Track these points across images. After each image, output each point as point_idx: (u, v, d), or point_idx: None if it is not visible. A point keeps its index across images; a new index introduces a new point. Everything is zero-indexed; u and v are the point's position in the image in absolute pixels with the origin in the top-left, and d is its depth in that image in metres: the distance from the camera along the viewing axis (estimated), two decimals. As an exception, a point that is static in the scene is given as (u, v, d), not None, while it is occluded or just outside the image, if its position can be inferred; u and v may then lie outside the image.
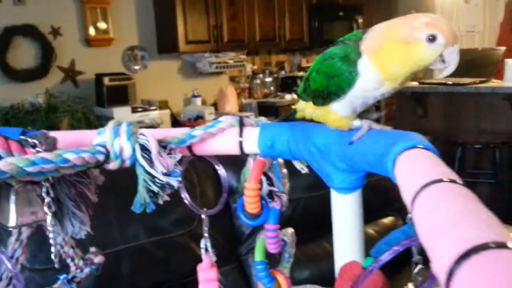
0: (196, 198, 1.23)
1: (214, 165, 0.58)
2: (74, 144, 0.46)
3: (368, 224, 1.54)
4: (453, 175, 0.31)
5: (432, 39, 0.40)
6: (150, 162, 0.46)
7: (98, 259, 0.55)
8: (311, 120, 0.52)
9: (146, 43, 3.90)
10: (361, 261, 0.45)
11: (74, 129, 2.82)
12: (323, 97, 0.47)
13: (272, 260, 0.61)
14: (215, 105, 4.18)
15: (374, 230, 1.54)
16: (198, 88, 4.17)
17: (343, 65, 0.44)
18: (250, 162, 0.56)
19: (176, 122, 3.81)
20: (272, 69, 4.84)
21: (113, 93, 3.47)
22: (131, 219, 1.13)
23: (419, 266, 0.42)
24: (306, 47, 4.83)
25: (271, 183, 0.56)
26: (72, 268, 0.52)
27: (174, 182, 0.47)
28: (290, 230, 0.62)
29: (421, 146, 0.38)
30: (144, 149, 0.46)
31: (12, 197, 0.43)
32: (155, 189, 0.47)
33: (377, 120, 0.49)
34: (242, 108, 4.29)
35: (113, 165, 0.46)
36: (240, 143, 0.53)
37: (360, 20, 4.95)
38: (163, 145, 0.48)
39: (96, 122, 3.31)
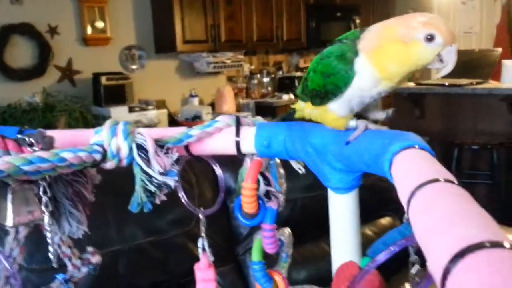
0: (194, 198, 1.23)
1: (211, 165, 0.58)
2: (71, 143, 0.46)
3: (366, 225, 1.54)
4: (449, 175, 0.32)
5: (430, 38, 0.40)
6: (147, 162, 0.46)
7: (96, 259, 0.55)
8: (310, 120, 0.52)
9: (143, 43, 3.90)
10: (358, 261, 0.45)
11: (71, 129, 2.82)
12: (320, 96, 0.47)
13: (270, 260, 0.61)
14: (212, 105, 4.18)
15: (371, 231, 1.54)
16: (195, 88, 4.17)
17: (339, 64, 0.44)
18: (247, 162, 0.56)
19: (173, 121, 3.80)
20: (269, 69, 4.84)
21: (110, 93, 3.47)
22: (128, 219, 1.13)
23: (416, 266, 0.42)
24: (303, 47, 4.83)
25: (268, 183, 0.56)
26: (70, 267, 0.52)
27: (171, 181, 0.48)
28: (287, 230, 0.62)
29: (417, 146, 0.38)
30: (141, 148, 0.46)
31: (9, 196, 0.43)
32: (152, 188, 0.47)
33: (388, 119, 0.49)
34: (239, 108, 4.29)
35: (110, 164, 0.46)
36: (237, 143, 0.53)
37: (358, 21, 4.95)
38: (160, 144, 0.48)
39: (94, 121, 3.30)
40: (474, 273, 0.20)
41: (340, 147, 0.46)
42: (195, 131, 0.52)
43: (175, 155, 0.49)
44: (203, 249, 0.61)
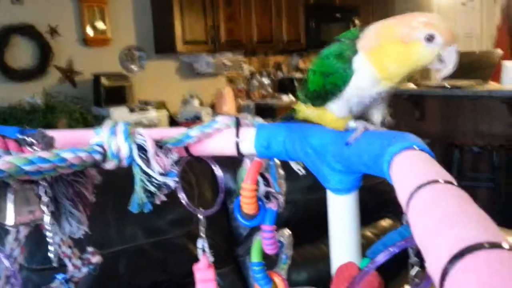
0: (194, 199, 1.23)
1: (211, 165, 0.58)
2: (71, 144, 0.46)
3: (366, 227, 1.54)
4: (448, 176, 0.32)
5: (430, 38, 0.40)
6: (147, 162, 0.46)
7: (96, 259, 0.55)
8: (311, 121, 0.52)
9: (143, 43, 3.90)
10: (357, 262, 0.45)
11: (72, 129, 2.81)
12: (321, 97, 0.47)
13: (269, 262, 0.61)
14: (212, 106, 4.19)
15: (372, 232, 1.54)
16: (195, 89, 4.18)
17: (337, 62, 0.44)
18: (247, 163, 0.56)
19: (173, 122, 3.80)
20: (269, 70, 4.84)
21: (110, 93, 3.47)
22: (128, 219, 1.13)
23: (416, 268, 0.42)
24: (303, 49, 4.83)
25: (267, 184, 0.56)
26: (70, 267, 0.52)
27: (171, 182, 0.48)
28: (287, 231, 0.62)
29: (417, 147, 0.38)
30: (141, 149, 0.46)
31: (10, 196, 0.43)
32: (152, 189, 0.47)
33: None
34: (239, 109, 4.29)
35: (110, 165, 0.46)
36: (237, 144, 0.53)
37: (357, 21, 4.96)
38: (160, 145, 0.49)
39: (94, 122, 3.30)
40: (473, 274, 0.20)
41: (339, 148, 0.46)
42: (194, 131, 0.52)
43: (175, 156, 0.49)
44: (203, 250, 0.61)
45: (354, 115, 0.48)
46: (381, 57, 0.42)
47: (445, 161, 2.90)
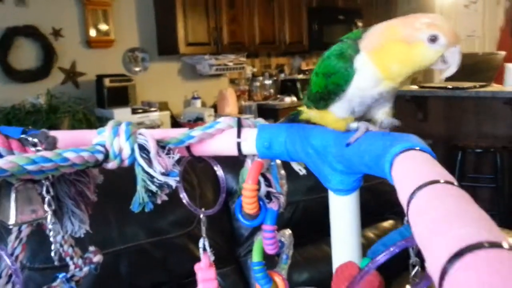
0: (196, 199, 1.24)
1: (212, 165, 0.59)
2: (74, 144, 0.46)
3: (368, 228, 1.54)
4: (449, 177, 0.32)
5: (433, 39, 0.40)
6: (149, 162, 0.47)
7: (97, 258, 0.55)
8: (315, 122, 0.52)
9: (146, 45, 3.91)
10: (358, 262, 0.45)
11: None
12: (324, 99, 0.47)
13: (270, 262, 0.61)
14: (214, 107, 4.19)
15: (374, 234, 1.53)
16: (198, 90, 4.18)
17: (339, 62, 0.44)
18: (248, 163, 0.56)
19: (176, 123, 3.81)
20: (271, 71, 4.85)
21: (113, 94, 3.48)
22: (130, 219, 1.13)
23: (417, 268, 0.42)
24: (305, 50, 4.84)
25: (269, 184, 0.56)
26: (71, 267, 0.53)
27: (172, 181, 0.48)
28: (287, 231, 0.62)
29: (418, 148, 0.38)
30: (143, 149, 0.47)
31: (13, 195, 0.43)
32: (154, 188, 0.47)
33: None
34: (241, 111, 4.30)
35: (112, 165, 0.46)
36: (238, 144, 0.53)
37: (360, 24, 4.96)
38: (161, 145, 0.49)
39: (97, 123, 3.31)
40: (472, 273, 0.20)
41: (340, 149, 0.46)
42: (196, 132, 0.52)
43: (176, 156, 0.49)
44: (204, 249, 0.61)
45: (356, 116, 0.47)
46: (383, 57, 0.42)
47: (448, 162, 2.89)
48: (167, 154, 0.48)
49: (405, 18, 0.42)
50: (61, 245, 0.51)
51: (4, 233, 0.96)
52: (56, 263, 0.48)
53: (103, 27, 3.63)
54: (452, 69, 0.42)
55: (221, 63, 4.10)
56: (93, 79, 3.55)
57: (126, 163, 0.46)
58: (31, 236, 0.50)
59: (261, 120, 0.57)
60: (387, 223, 1.61)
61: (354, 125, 0.46)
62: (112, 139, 0.46)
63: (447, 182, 0.30)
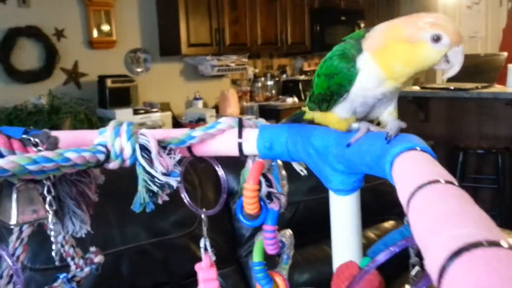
0: (197, 200, 1.24)
1: (214, 166, 0.59)
2: (75, 144, 0.47)
3: (369, 228, 1.53)
4: (449, 177, 0.32)
5: (436, 39, 0.40)
6: (150, 162, 0.47)
7: (98, 258, 0.55)
8: (317, 123, 0.52)
9: (148, 46, 3.92)
10: (359, 262, 0.45)
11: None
12: (327, 100, 0.47)
13: (271, 262, 0.61)
14: (216, 107, 4.19)
15: (375, 234, 1.53)
16: (199, 91, 4.19)
17: (341, 62, 0.44)
18: (249, 164, 0.56)
19: (177, 124, 3.82)
20: (273, 72, 4.85)
21: (115, 95, 3.49)
22: (131, 219, 1.13)
23: (417, 268, 0.42)
24: (307, 51, 4.83)
25: (270, 185, 0.56)
26: (72, 267, 0.53)
27: (173, 182, 0.48)
28: (288, 231, 0.62)
29: (418, 148, 0.38)
30: (144, 149, 0.47)
31: (14, 195, 0.43)
32: (155, 188, 0.48)
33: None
34: (243, 111, 4.30)
35: (113, 165, 0.46)
36: (239, 144, 0.53)
37: (362, 25, 4.95)
38: (163, 145, 0.49)
39: (99, 123, 3.31)
40: (471, 272, 0.20)
41: (341, 149, 0.46)
42: (197, 132, 0.53)
43: (177, 156, 0.49)
44: (205, 249, 0.61)
45: (358, 117, 0.47)
46: (386, 56, 0.42)
47: (450, 163, 2.88)
48: (168, 154, 0.48)
49: (408, 18, 0.42)
50: (62, 246, 0.51)
51: (5, 233, 0.96)
52: (57, 263, 0.48)
53: (105, 27, 3.64)
54: (455, 69, 0.42)
55: (223, 64, 4.10)
56: (95, 79, 3.56)
57: (128, 163, 0.47)
58: (32, 236, 0.50)
59: (262, 121, 0.57)
60: (388, 224, 1.60)
61: (355, 125, 0.46)
62: (113, 139, 0.46)
63: (447, 182, 0.30)
